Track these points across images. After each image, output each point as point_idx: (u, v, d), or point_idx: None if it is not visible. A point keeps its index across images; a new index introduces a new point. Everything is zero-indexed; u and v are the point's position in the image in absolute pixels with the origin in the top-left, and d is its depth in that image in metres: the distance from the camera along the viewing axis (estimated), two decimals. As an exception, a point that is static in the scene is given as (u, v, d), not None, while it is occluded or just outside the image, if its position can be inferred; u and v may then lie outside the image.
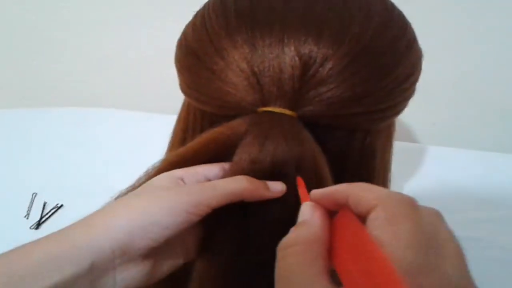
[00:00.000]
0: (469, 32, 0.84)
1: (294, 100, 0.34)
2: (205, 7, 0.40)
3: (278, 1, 0.37)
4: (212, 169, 0.35)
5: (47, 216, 0.68)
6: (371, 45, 0.35)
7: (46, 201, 0.70)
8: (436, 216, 0.25)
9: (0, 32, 0.99)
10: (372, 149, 0.40)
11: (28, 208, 0.69)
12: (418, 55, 0.40)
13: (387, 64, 0.36)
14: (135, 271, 0.31)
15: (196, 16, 0.41)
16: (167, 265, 0.34)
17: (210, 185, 0.32)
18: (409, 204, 0.24)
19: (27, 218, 0.68)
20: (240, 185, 0.32)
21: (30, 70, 1.03)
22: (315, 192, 0.29)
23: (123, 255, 0.30)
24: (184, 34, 0.41)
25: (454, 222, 0.75)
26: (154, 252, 0.31)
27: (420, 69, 0.41)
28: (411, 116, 0.91)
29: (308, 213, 0.27)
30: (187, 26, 0.41)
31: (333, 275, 0.23)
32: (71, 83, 1.03)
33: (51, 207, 0.69)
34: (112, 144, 0.83)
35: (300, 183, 0.33)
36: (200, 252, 0.35)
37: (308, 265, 0.23)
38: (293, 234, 0.26)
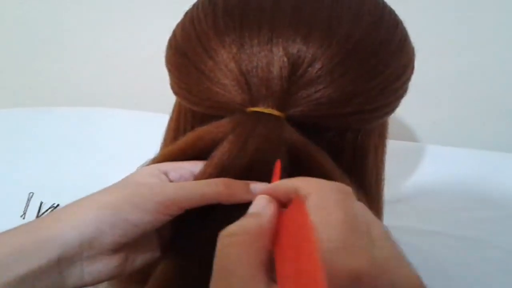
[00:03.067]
0: (469, 30, 0.83)
1: (282, 100, 0.34)
2: (194, 6, 0.40)
3: (267, 0, 0.36)
4: (199, 164, 0.35)
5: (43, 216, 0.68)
6: (361, 44, 0.35)
7: (42, 201, 0.70)
8: (366, 208, 0.27)
9: (0, 32, 1.00)
10: (364, 148, 0.40)
11: (24, 208, 0.69)
12: (410, 54, 0.39)
13: (377, 64, 0.36)
14: (103, 265, 0.31)
15: (185, 15, 0.40)
16: (141, 259, 0.33)
17: (185, 186, 0.32)
18: (341, 191, 0.25)
19: (24, 218, 0.68)
20: (215, 189, 0.31)
21: (30, 70, 1.03)
22: (269, 186, 0.30)
23: (91, 249, 0.30)
24: (174, 34, 0.40)
25: (454, 222, 0.75)
26: (124, 247, 0.31)
27: (413, 67, 0.40)
28: (411, 115, 0.90)
29: (261, 205, 0.28)
30: (177, 26, 0.41)
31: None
32: (71, 83, 1.03)
33: (48, 207, 0.69)
34: (110, 144, 0.83)
35: (276, 171, 0.32)
36: (165, 250, 0.35)
37: (250, 257, 0.23)
38: (241, 223, 0.26)
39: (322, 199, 0.25)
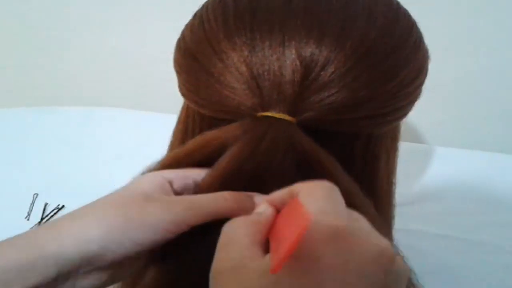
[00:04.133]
0: (477, 30, 0.83)
1: (294, 105, 0.33)
2: (204, 8, 0.39)
3: (278, 1, 0.35)
4: (202, 173, 0.34)
5: (48, 218, 0.68)
6: (375, 47, 0.34)
7: (47, 202, 0.70)
8: None
9: (3, 31, 0.99)
10: (376, 152, 0.39)
11: (29, 209, 0.69)
12: (424, 57, 0.38)
13: (391, 67, 0.35)
14: (96, 278, 0.30)
15: (194, 17, 0.40)
16: (129, 271, 0.33)
17: (194, 204, 0.31)
18: (328, 185, 0.28)
19: (28, 220, 0.68)
20: (224, 205, 0.31)
21: (33, 70, 1.03)
22: (267, 196, 0.31)
23: (89, 265, 0.29)
24: (183, 35, 0.40)
25: (460, 225, 0.74)
26: (119, 262, 0.30)
27: (427, 71, 0.39)
28: (418, 117, 0.90)
29: (262, 208, 0.30)
30: (186, 27, 0.40)
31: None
32: (74, 82, 1.03)
33: (52, 208, 0.69)
34: (114, 144, 0.83)
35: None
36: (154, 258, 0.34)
37: (248, 232, 0.27)
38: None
39: (310, 189, 0.28)
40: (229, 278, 0.26)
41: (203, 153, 0.35)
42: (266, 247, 0.27)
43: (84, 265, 0.29)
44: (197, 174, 0.34)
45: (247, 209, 0.31)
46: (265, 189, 0.32)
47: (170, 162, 0.36)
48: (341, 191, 0.30)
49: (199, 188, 0.34)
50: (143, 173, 0.36)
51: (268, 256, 0.26)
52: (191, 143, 0.36)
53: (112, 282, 0.32)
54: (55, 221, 0.30)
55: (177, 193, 0.34)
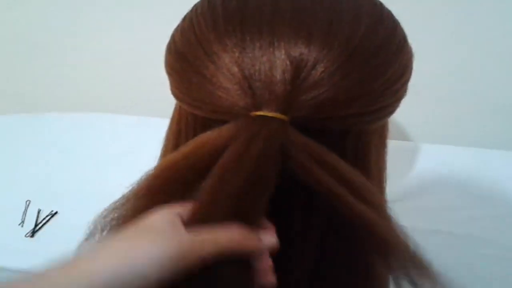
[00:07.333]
0: (462, 28, 0.84)
1: (286, 104, 0.34)
2: (193, 10, 0.40)
3: (265, 3, 0.36)
4: None
5: (42, 224, 0.68)
6: (362, 46, 0.35)
7: (40, 208, 0.70)
8: None
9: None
10: (366, 150, 0.40)
11: (22, 216, 0.69)
12: (409, 55, 0.40)
13: (378, 65, 0.36)
14: None
15: (184, 19, 0.40)
16: None
17: (202, 238, 0.32)
18: None
19: (22, 226, 0.68)
20: (232, 239, 0.32)
21: (25, 75, 1.03)
22: None
23: None
24: (173, 39, 0.40)
25: (451, 220, 0.75)
26: None
27: (411, 68, 0.40)
28: (405, 115, 0.90)
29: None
30: (176, 30, 0.41)
31: None
32: (66, 88, 1.03)
33: (46, 214, 0.69)
34: (106, 149, 0.83)
35: None
36: None
37: None
38: None
39: None
40: None
41: (199, 155, 0.35)
42: None
43: None
44: None
45: (254, 243, 0.33)
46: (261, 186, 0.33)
47: (167, 166, 0.36)
48: (346, 181, 0.33)
49: (205, 195, 0.34)
50: (141, 178, 0.37)
51: None
52: (187, 146, 0.36)
53: None
54: (70, 261, 0.30)
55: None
